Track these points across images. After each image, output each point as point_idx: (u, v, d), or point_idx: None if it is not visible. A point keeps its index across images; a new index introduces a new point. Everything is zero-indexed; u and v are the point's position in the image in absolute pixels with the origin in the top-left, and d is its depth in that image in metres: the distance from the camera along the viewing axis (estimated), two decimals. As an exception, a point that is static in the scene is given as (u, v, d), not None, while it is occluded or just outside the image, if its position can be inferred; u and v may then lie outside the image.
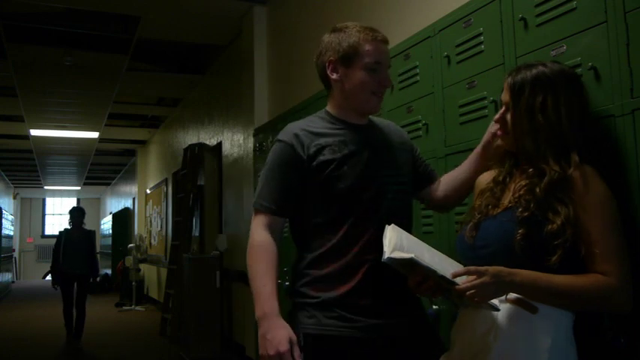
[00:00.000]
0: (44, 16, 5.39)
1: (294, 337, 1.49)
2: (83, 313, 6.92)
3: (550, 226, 1.27)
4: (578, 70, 1.59)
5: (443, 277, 1.27)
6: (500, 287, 1.24)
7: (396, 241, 1.38)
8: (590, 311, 1.34)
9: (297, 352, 1.48)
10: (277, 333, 1.48)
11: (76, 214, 7.23)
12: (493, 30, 1.94)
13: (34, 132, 9.38)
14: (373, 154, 1.63)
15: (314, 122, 1.69)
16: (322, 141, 1.62)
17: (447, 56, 2.16)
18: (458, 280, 1.27)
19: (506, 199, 1.42)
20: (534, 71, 1.41)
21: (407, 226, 1.62)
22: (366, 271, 1.57)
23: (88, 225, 7.45)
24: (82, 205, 22.53)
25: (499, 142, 1.51)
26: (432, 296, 1.40)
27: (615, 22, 1.48)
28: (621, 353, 1.40)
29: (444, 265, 1.35)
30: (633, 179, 1.41)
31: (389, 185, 1.62)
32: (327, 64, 1.65)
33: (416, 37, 2.39)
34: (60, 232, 7.25)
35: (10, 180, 16.63)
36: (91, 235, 7.33)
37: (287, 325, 1.52)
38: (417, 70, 2.35)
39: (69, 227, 7.21)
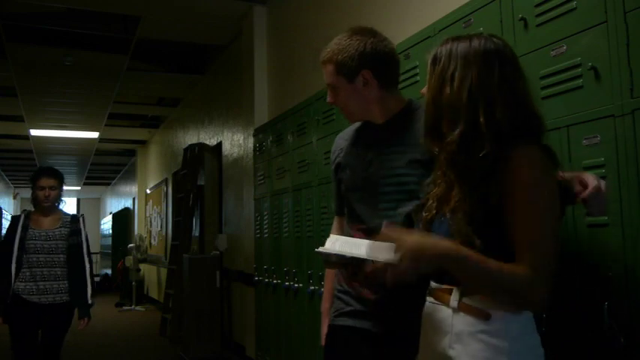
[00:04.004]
0: (44, 16, 5.40)
1: None
2: None
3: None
4: (578, 71, 1.59)
5: (353, 258, 1.28)
6: (422, 263, 1.17)
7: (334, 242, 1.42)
8: (503, 303, 1.19)
9: None
10: (323, 329, 1.77)
11: (45, 181, 3.36)
12: (493, 30, 1.93)
13: (34, 132, 9.38)
14: (376, 156, 1.61)
15: (354, 126, 1.77)
16: (342, 145, 1.74)
17: (447, 56, 2.16)
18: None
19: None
20: (475, 43, 1.29)
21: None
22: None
23: (87, 226, 3.55)
24: (82, 205, 22.06)
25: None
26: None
27: (615, 22, 1.49)
28: (621, 353, 1.40)
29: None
30: (633, 180, 1.41)
31: (386, 187, 1.57)
32: None
33: (416, 37, 2.39)
34: (13, 219, 3.51)
35: (10, 180, 16.63)
36: (76, 223, 3.45)
37: None
38: (417, 70, 2.34)
39: (30, 210, 3.47)
